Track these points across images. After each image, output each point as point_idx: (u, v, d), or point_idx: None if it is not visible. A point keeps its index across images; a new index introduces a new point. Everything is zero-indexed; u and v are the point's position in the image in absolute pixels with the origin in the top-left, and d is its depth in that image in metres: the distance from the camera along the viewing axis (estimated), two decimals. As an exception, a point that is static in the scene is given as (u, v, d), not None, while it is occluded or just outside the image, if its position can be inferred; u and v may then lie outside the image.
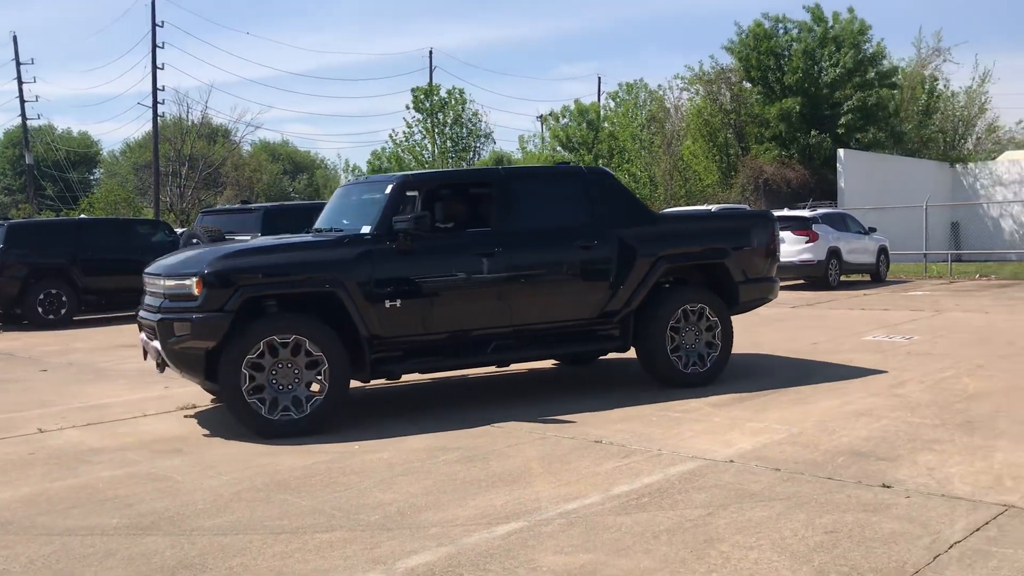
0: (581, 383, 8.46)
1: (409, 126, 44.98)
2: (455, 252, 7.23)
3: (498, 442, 6.12)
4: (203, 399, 8.01)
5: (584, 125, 43.72)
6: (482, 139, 47.31)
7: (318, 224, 8.01)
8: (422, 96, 44.81)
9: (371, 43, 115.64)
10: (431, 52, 52.66)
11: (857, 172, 27.75)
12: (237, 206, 14.61)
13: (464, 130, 45.38)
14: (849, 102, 29.26)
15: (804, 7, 31.02)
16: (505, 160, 48.30)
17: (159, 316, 6.55)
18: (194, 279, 6.45)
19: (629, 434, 6.22)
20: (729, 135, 31.90)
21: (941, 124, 35.54)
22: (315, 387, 6.64)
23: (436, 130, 45.03)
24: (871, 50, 30.67)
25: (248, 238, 12.41)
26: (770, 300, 8.80)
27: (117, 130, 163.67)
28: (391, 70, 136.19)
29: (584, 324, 7.71)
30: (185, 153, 47.92)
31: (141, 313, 7.23)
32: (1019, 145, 38.66)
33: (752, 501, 4.66)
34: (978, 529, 4.14)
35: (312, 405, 6.54)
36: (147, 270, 7.39)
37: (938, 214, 27.63)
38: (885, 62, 31.38)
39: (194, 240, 12.72)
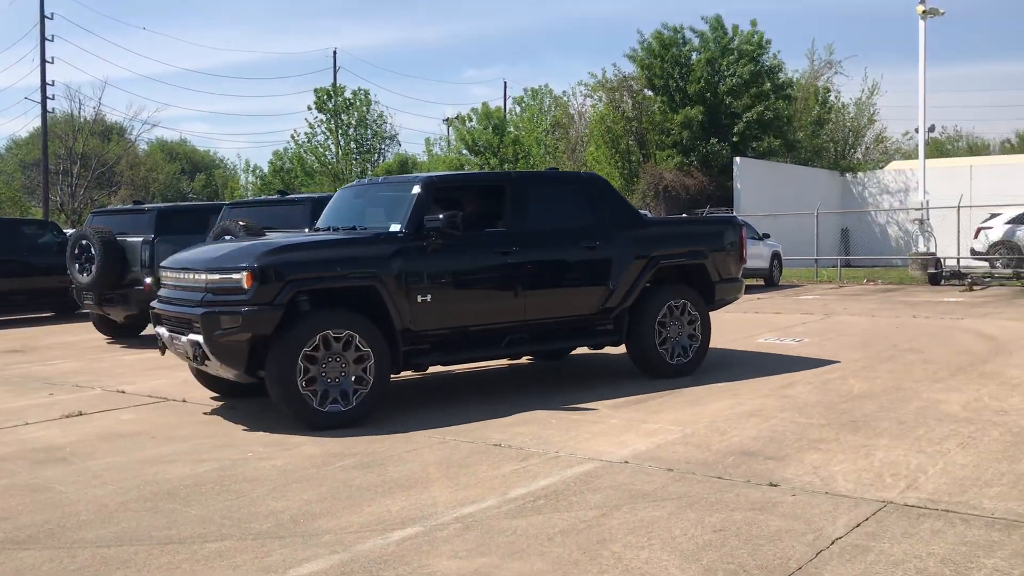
0: (486, 387, 8.46)
1: (312, 127, 44.49)
2: (477, 250, 7.63)
3: (397, 447, 6.08)
4: (91, 406, 7.72)
5: (490, 129, 43.88)
6: (387, 141, 47.07)
7: (326, 222, 8.16)
8: (325, 96, 44.32)
9: (273, 42, 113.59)
10: (335, 52, 52.22)
11: (752, 179, 28.55)
12: (129, 206, 14.06)
13: (369, 131, 45.05)
14: (747, 113, 30.08)
15: (703, 18, 31.82)
16: (410, 162, 48.02)
17: (203, 310, 6.58)
18: (244, 273, 6.51)
19: (528, 437, 6.25)
20: (631, 142, 32.44)
21: (832, 134, 36.91)
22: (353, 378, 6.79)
23: (340, 131, 44.56)
24: (768, 62, 31.62)
25: (140, 240, 12.04)
26: (738, 299, 9.61)
27: (2, 126, 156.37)
28: (294, 69, 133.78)
29: (584, 320, 8.20)
30: (77, 151, 46.13)
31: (161, 307, 7.26)
32: (905, 155, 40.44)
33: (645, 501, 4.74)
34: (858, 525, 4.29)
35: (357, 398, 6.74)
36: (170, 264, 7.44)
37: (829, 221, 28.63)
38: (781, 74, 32.38)
39: (83, 241, 12.21)
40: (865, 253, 29.38)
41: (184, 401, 7.97)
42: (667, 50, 31.15)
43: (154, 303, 7.47)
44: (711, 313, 9.03)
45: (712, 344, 10.78)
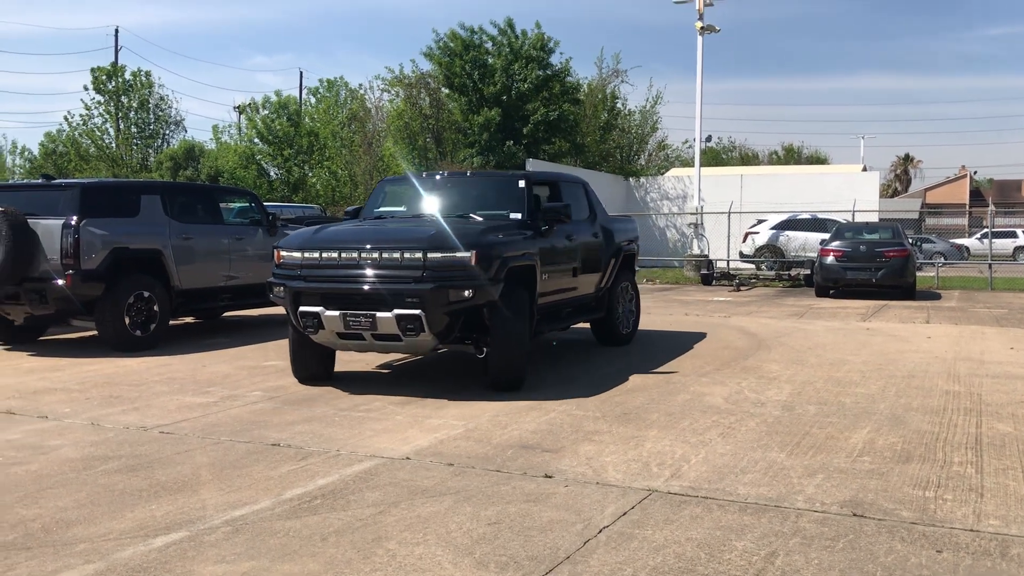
0: (269, 385, 8.19)
1: (88, 108, 41.56)
2: (559, 236, 8.82)
3: (166, 449, 5.77)
4: None
5: (285, 119, 42.64)
6: (172, 126, 44.74)
7: (382, 210, 9.08)
8: (104, 77, 41.58)
9: (46, 14, 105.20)
10: (117, 30, 49.00)
11: (544, 181, 29.28)
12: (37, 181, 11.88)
13: (151, 116, 42.64)
14: (535, 116, 30.76)
15: (492, 22, 32.14)
16: (196, 149, 45.84)
17: (430, 285, 7.13)
18: (471, 252, 7.23)
19: (309, 436, 6.11)
20: (428, 139, 32.49)
21: (618, 140, 38.51)
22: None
23: (119, 114, 41.93)
24: (558, 66, 32.49)
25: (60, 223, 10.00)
26: None
27: None
28: (69, 46, 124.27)
29: (588, 298, 9.72)
30: None
31: (325, 286, 7.46)
32: (684, 163, 42.83)
33: (423, 497, 4.74)
34: (625, 513, 4.49)
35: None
36: (321, 242, 7.69)
37: (614, 223, 29.82)
38: (569, 78, 33.35)
39: None
40: (645, 254, 30.85)
41: (-76, 403, 7.23)
42: (468, 51, 31.34)
43: (293, 282, 7.57)
44: None
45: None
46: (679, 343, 10.87)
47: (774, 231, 24.37)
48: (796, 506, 4.60)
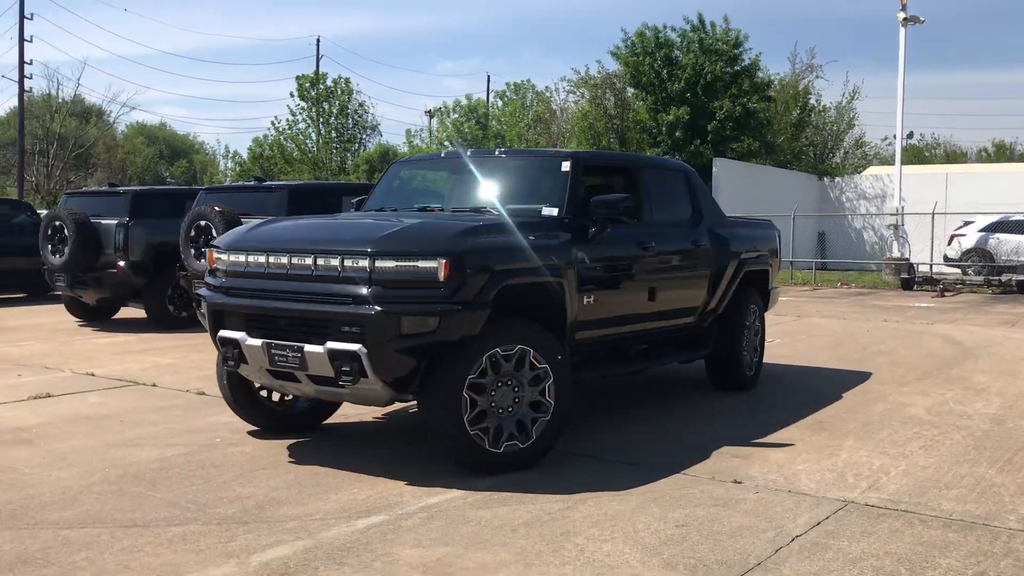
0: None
1: (293, 114, 44.19)
2: (617, 241, 6.28)
3: (366, 436, 6.08)
4: (60, 388, 7.66)
5: (473, 122, 43.82)
6: (368, 131, 46.86)
7: (390, 201, 6.80)
8: (308, 84, 44.07)
9: (254, 27, 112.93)
10: (318, 40, 51.93)
11: (731, 181, 28.62)
12: (104, 188, 13.89)
13: (350, 121, 44.84)
14: (721, 112, 30.05)
15: (685, 18, 31.75)
16: (390, 153, 47.84)
17: (375, 308, 4.84)
18: (440, 260, 4.90)
19: (497, 430, 6.27)
20: (612, 139, 32.45)
21: (812, 138, 37.06)
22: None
23: (321, 120, 44.34)
24: (748, 61, 31.63)
25: (114, 223, 11.97)
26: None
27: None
28: (274, 55, 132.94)
29: (686, 328, 7.25)
30: (54, 132, 45.56)
31: (243, 302, 5.42)
32: (883, 161, 40.69)
33: (610, 494, 4.77)
34: (818, 523, 4.35)
35: (537, 429, 5.26)
36: (250, 243, 5.59)
37: (806, 224, 28.82)
38: (760, 74, 32.39)
39: (56, 222, 12.11)
40: (840, 257, 29.58)
41: (154, 385, 7.93)
42: (659, 49, 31.06)
43: (215, 296, 5.56)
44: None
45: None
46: (877, 350, 10.37)
47: (983, 233, 22.73)
48: (1008, 526, 4.31)
